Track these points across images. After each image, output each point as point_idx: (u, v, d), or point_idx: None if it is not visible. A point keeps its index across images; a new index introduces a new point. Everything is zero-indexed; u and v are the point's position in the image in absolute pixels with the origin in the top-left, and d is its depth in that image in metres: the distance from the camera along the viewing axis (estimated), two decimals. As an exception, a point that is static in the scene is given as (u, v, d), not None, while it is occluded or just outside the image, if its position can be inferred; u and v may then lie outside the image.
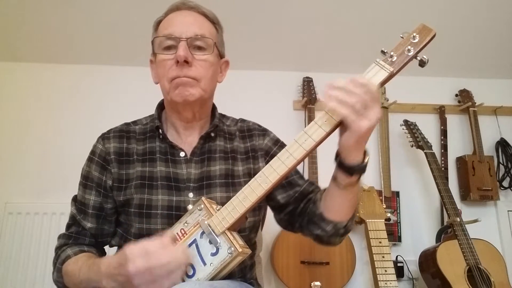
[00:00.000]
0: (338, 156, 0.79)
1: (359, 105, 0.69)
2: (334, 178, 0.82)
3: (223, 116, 1.07)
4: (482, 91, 2.35)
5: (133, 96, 2.19)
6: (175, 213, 0.88)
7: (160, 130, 0.96)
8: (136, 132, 0.99)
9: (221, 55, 0.98)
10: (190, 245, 0.77)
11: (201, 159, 0.95)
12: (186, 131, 0.98)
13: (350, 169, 0.77)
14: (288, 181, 0.98)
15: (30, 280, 1.91)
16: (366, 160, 0.78)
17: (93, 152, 0.97)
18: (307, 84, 2.26)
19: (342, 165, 0.78)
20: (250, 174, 0.95)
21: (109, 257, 0.80)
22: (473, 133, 2.24)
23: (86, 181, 0.95)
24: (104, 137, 0.98)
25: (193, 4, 0.95)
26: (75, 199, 0.97)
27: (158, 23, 0.96)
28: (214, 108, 1.03)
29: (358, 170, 0.78)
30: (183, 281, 0.74)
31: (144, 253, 0.69)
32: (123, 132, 0.98)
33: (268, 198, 0.97)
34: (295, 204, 0.96)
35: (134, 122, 1.03)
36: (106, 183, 0.94)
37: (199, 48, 0.90)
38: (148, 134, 0.98)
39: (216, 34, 0.96)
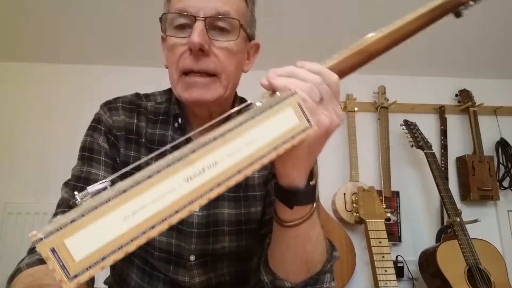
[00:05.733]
0: (274, 177, 0.57)
1: (314, 93, 0.49)
2: (275, 212, 0.58)
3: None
4: (482, 91, 2.35)
5: (133, 96, 2.19)
6: None
7: (179, 120, 0.76)
8: (148, 109, 0.79)
9: (249, 38, 0.74)
10: None
11: None
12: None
13: (289, 194, 0.52)
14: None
15: (30, 280, 1.91)
16: (312, 182, 0.53)
17: (97, 121, 0.76)
18: (307, 84, 2.25)
19: (278, 189, 0.54)
20: (266, 182, 0.79)
21: None
22: (473, 133, 2.24)
23: (91, 153, 0.73)
24: (111, 107, 0.77)
25: None
26: (67, 181, 0.73)
27: None
28: (235, 99, 0.82)
29: (302, 196, 0.52)
30: None
31: None
32: (134, 105, 0.78)
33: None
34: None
35: (147, 96, 0.82)
36: (115, 161, 0.73)
37: (221, 30, 0.66)
38: (160, 117, 0.78)
39: (246, 10, 0.71)
